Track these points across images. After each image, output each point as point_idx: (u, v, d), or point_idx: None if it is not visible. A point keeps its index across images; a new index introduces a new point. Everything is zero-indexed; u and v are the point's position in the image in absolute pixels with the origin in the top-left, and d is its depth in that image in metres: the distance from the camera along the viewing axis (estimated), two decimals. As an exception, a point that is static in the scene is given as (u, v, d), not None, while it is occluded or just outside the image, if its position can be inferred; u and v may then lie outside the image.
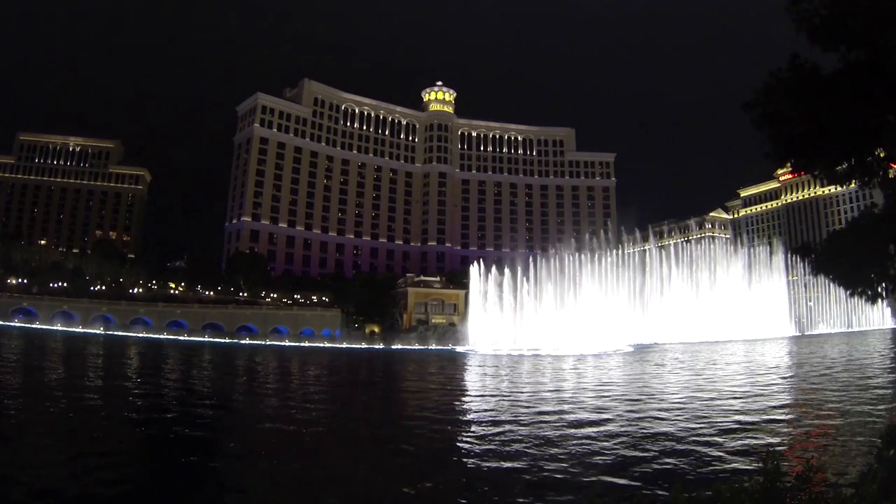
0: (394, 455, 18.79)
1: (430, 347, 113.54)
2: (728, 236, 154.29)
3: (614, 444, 19.76)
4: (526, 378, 48.09)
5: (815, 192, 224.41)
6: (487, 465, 17.18)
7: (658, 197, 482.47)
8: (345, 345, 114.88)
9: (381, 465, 17.43)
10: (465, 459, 18.06)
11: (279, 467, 17.27)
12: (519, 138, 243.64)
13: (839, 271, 10.37)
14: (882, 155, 9.49)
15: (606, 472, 16.05)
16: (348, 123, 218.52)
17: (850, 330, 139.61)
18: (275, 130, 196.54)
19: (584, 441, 20.40)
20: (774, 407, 29.34)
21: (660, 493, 13.52)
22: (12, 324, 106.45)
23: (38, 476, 15.22)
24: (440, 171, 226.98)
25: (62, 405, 27.47)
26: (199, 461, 17.51)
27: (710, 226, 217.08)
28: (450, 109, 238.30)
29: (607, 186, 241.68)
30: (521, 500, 13.77)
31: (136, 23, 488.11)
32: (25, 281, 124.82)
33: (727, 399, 31.67)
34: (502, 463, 17.32)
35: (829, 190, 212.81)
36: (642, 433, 21.61)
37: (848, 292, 10.44)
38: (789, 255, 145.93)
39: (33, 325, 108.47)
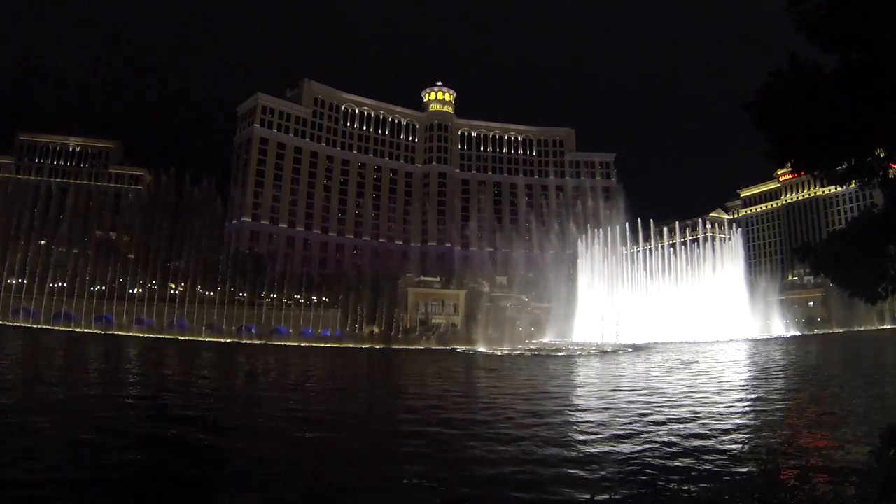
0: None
1: (432, 347, 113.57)
2: (728, 236, 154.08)
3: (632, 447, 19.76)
4: (530, 380, 48.08)
5: (815, 192, 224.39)
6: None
7: (658, 197, 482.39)
8: (351, 345, 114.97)
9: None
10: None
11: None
12: (519, 138, 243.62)
13: (839, 271, 10.37)
14: (882, 155, 9.49)
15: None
16: (348, 123, 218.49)
17: (849, 330, 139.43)
18: (275, 130, 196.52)
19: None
20: (774, 407, 29.35)
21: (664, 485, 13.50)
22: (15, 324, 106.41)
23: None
24: (440, 171, 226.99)
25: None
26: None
27: (710, 226, 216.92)
28: (450, 109, 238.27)
29: (607, 186, 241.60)
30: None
31: (136, 23, 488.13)
32: (25, 281, 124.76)
33: (729, 399, 31.68)
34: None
35: (829, 190, 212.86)
36: (648, 432, 21.62)
37: (848, 292, 10.44)
38: (788, 255, 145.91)
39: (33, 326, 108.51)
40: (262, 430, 22.97)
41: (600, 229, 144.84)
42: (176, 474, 15.48)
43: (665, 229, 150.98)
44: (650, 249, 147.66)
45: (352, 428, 24.29)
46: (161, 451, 18.12)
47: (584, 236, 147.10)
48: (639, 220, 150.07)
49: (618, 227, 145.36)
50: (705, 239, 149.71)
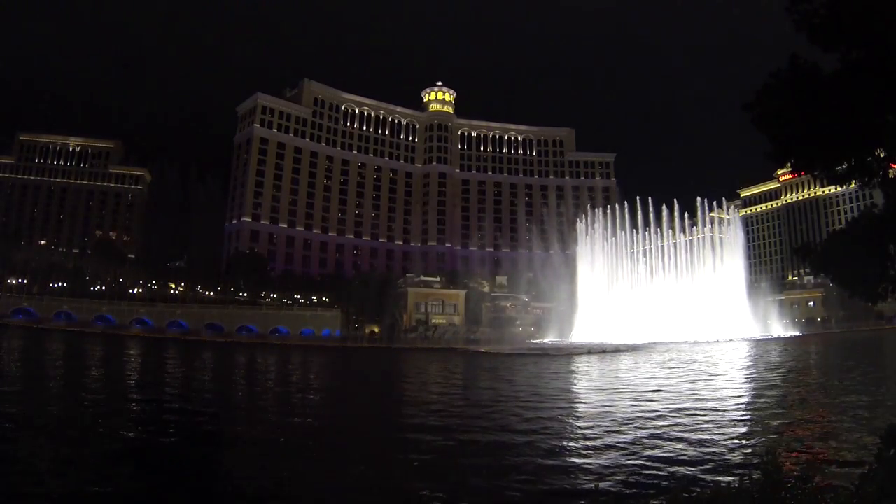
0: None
1: (434, 347, 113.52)
2: (728, 225, 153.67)
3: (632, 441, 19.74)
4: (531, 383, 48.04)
5: (815, 192, 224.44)
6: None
7: (658, 197, 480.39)
8: (351, 345, 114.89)
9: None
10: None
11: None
12: (519, 138, 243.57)
13: (839, 271, 10.36)
14: (882, 155, 9.49)
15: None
16: (348, 123, 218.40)
17: (849, 330, 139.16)
18: (275, 130, 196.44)
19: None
20: (775, 407, 29.35)
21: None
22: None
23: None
24: (440, 171, 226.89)
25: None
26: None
27: (710, 224, 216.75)
28: (450, 109, 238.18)
29: (607, 187, 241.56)
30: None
31: (136, 23, 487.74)
32: (25, 281, 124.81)
33: (730, 399, 31.68)
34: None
35: (829, 190, 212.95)
36: (637, 429, 21.62)
37: (848, 292, 10.44)
38: (789, 255, 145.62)
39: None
40: (263, 438, 22.96)
41: (599, 209, 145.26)
42: (174, 487, 15.34)
43: (665, 223, 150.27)
44: (650, 248, 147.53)
45: (354, 433, 24.33)
46: (159, 462, 18.04)
47: (583, 216, 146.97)
48: (639, 217, 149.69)
49: (618, 226, 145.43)
50: (704, 239, 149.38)
